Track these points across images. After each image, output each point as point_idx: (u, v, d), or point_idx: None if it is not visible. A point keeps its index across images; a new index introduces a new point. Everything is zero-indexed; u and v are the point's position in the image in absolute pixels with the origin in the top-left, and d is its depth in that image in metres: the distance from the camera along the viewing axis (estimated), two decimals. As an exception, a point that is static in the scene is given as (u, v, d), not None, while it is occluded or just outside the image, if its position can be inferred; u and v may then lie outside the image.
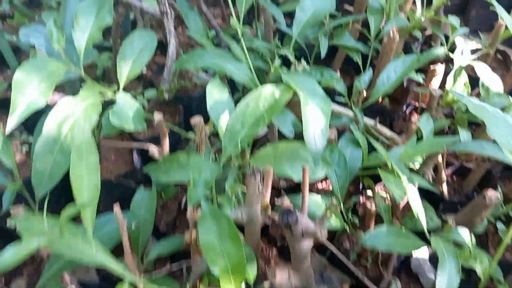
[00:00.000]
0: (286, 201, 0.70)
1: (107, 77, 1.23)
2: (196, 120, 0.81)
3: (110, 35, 1.18)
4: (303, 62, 0.95)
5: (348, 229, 0.84)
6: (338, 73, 1.33)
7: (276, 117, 0.83)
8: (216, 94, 0.77)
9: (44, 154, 0.71)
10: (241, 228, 0.81)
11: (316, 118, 0.69)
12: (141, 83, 1.24)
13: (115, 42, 1.09)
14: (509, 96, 1.06)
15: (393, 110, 1.24)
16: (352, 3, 1.41)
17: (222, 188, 0.79)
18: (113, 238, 0.76)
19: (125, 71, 0.89)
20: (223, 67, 0.86)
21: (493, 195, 0.77)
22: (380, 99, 1.28)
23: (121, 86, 0.88)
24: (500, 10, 1.09)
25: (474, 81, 1.17)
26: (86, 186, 0.60)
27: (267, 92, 0.71)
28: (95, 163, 0.61)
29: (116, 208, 0.65)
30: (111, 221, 0.77)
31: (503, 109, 1.04)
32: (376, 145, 0.88)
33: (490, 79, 1.11)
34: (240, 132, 0.68)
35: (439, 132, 1.13)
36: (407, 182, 0.76)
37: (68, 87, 0.98)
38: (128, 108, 0.84)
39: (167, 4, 1.02)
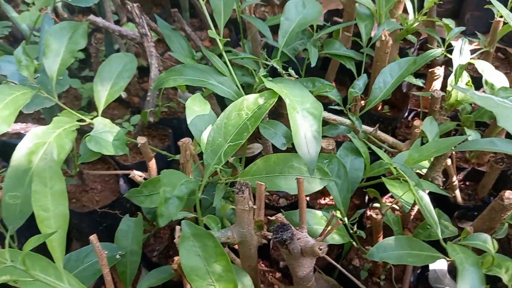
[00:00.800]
0: (280, 217, 0.63)
1: (93, 106, 1.19)
2: (183, 140, 0.76)
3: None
4: (292, 72, 0.90)
5: (355, 244, 0.76)
6: (333, 84, 1.28)
7: (267, 129, 0.77)
8: (197, 109, 0.72)
9: (13, 186, 0.66)
10: (237, 251, 0.74)
11: (306, 123, 0.63)
12: (128, 110, 1.19)
13: (96, 69, 1.05)
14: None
15: (394, 117, 1.18)
16: (342, 15, 1.38)
17: (212, 209, 0.72)
18: (96, 271, 0.69)
19: (103, 95, 0.84)
20: (205, 82, 0.80)
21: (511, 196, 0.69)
22: (379, 107, 1.22)
23: (100, 110, 0.84)
24: (498, 5, 1.05)
25: (476, 81, 1.11)
26: (53, 216, 0.54)
27: (250, 101, 0.65)
28: (61, 190, 0.54)
29: (93, 238, 0.58)
30: (93, 252, 0.70)
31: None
32: (377, 150, 0.81)
33: (494, 75, 1.05)
34: (223, 145, 0.62)
35: (444, 136, 1.06)
36: (415, 187, 0.68)
37: (48, 116, 0.94)
38: (107, 133, 0.79)
39: (146, 26, 0.99)
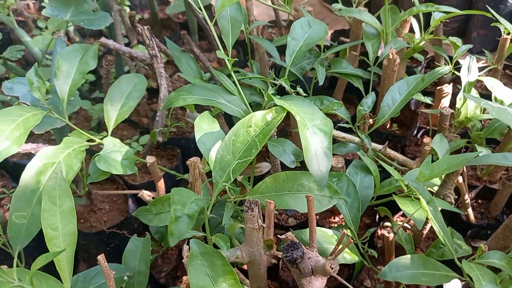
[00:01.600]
0: (290, 235, 0.62)
1: (103, 127, 1.20)
2: (191, 159, 0.76)
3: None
4: (300, 90, 0.90)
5: (366, 264, 0.75)
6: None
7: (275, 147, 0.77)
8: (205, 126, 0.72)
9: (21, 206, 0.66)
10: (246, 272, 0.73)
11: (317, 139, 0.63)
12: (138, 130, 1.20)
13: (107, 90, 1.07)
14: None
15: (403, 135, 1.17)
16: (349, 35, 1.39)
17: (220, 229, 0.71)
18: (103, 293, 0.68)
19: (113, 115, 0.85)
20: (214, 101, 0.81)
21: (526, 211, 0.68)
22: (388, 125, 1.21)
23: (110, 130, 0.84)
24: (504, 22, 1.05)
25: (485, 98, 1.10)
26: (61, 235, 0.54)
27: (258, 117, 0.65)
28: (70, 209, 0.54)
29: (101, 258, 0.58)
30: (101, 273, 0.69)
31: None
32: (388, 167, 0.81)
33: (503, 92, 1.04)
34: (231, 162, 0.62)
35: (454, 154, 1.05)
36: (427, 204, 0.67)
37: (58, 137, 0.95)
38: (116, 152, 0.79)
39: (156, 48, 1.00)
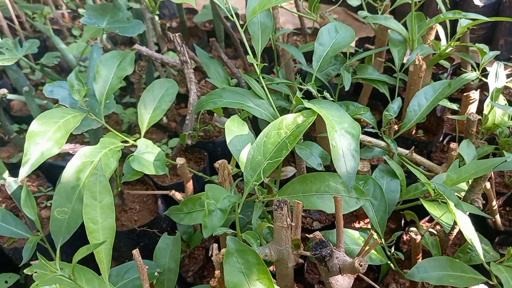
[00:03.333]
0: (318, 235, 0.64)
1: (133, 131, 1.24)
2: (220, 161, 0.78)
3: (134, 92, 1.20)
4: (327, 94, 0.92)
5: (392, 267, 0.75)
6: (366, 110, 1.28)
7: (302, 150, 0.79)
8: (235, 129, 0.74)
9: (62, 203, 0.69)
10: (272, 273, 0.74)
11: (345, 141, 0.65)
12: (166, 134, 1.24)
13: (138, 95, 1.11)
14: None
15: (429, 141, 1.17)
16: (373, 43, 1.40)
17: (247, 229, 0.73)
18: (136, 287, 0.70)
19: (146, 118, 0.89)
20: (243, 104, 0.83)
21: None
22: (413, 131, 1.21)
23: (142, 132, 0.88)
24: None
25: (513, 105, 1.10)
26: (101, 228, 0.57)
27: (289, 119, 0.67)
28: (109, 204, 0.57)
29: (135, 253, 0.60)
30: (133, 269, 0.72)
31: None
32: (415, 171, 0.81)
33: (532, 99, 1.04)
34: (262, 162, 0.64)
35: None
36: (455, 207, 0.68)
37: (92, 138, 0.99)
38: (149, 153, 0.82)
39: (186, 54, 1.04)
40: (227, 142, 0.72)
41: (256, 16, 0.87)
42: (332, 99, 0.93)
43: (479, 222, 0.89)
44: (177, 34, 1.01)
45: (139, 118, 0.88)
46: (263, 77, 1.00)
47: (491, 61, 1.15)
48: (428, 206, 0.75)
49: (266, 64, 1.50)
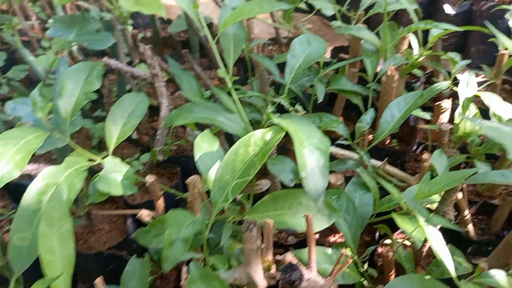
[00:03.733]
0: (288, 256, 0.62)
1: (104, 146, 1.21)
2: (191, 178, 0.76)
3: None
4: (299, 107, 0.91)
5: (366, 284, 0.75)
6: (340, 119, 1.28)
7: (274, 165, 0.78)
8: (205, 146, 0.73)
9: (22, 227, 0.66)
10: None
11: (313, 158, 0.64)
12: (138, 148, 1.21)
13: (108, 109, 1.08)
14: (525, 123, 0.99)
15: (402, 151, 1.17)
16: (348, 52, 1.41)
17: (220, 248, 0.71)
18: (101, 316, 0.67)
19: (115, 134, 0.86)
20: (214, 119, 0.82)
21: (526, 229, 0.68)
22: (387, 141, 1.22)
23: (110, 150, 0.85)
24: (502, 37, 1.06)
25: (485, 113, 1.11)
26: (59, 258, 0.54)
27: (257, 136, 0.66)
28: (68, 231, 0.55)
29: (98, 280, 0.58)
30: (99, 296, 0.69)
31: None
32: (386, 185, 0.81)
33: (501, 107, 1.05)
34: (230, 182, 0.63)
35: (454, 169, 1.05)
36: (425, 223, 0.67)
37: (59, 155, 0.95)
38: (116, 173, 0.80)
39: (157, 67, 1.02)
40: (195, 160, 0.70)
41: (228, 27, 0.85)
42: (304, 112, 0.92)
43: (452, 232, 0.89)
44: (147, 47, 0.99)
45: (107, 135, 0.85)
46: (236, 89, 0.99)
47: (464, 68, 1.16)
48: (400, 221, 0.75)
49: (239, 77, 1.49)
